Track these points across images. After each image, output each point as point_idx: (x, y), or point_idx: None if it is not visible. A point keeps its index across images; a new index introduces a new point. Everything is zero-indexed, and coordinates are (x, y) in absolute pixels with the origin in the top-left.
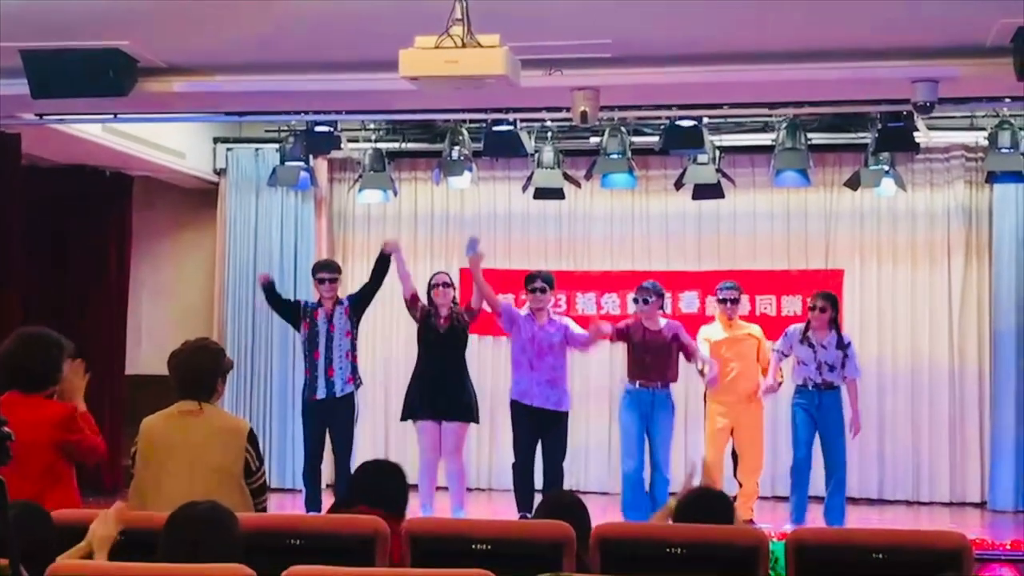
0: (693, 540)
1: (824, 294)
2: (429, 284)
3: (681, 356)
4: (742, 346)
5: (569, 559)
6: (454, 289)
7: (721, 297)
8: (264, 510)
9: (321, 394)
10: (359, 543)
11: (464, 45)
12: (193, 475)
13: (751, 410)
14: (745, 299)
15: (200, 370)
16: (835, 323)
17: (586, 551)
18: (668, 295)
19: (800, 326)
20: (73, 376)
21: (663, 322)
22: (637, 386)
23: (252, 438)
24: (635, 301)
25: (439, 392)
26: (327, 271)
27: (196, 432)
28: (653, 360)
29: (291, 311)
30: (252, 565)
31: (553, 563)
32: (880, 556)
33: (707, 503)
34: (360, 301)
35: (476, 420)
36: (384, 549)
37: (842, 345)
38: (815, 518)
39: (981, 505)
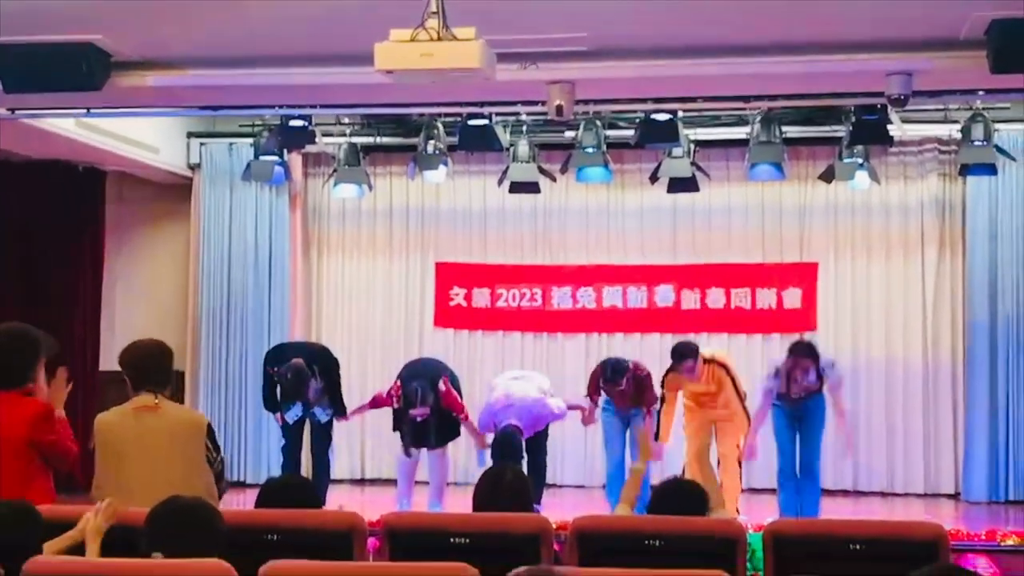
0: (671, 532)
1: (804, 349)
2: (405, 407)
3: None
4: (710, 396)
5: (547, 551)
6: (431, 402)
7: (682, 369)
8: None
9: (293, 418)
10: (337, 538)
11: (439, 38)
12: (156, 468)
13: (735, 424)
14: (721, 291)
15: (157, 365)
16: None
17: None
18: (643, 289)
19: (781, 368)
20: (57, 384)
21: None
22: (613, 407)
23: (210, 432)
24: (608, 380)
25: (423, 437)
26: (294, 389)
27: (155, 426)
28: (627, 402)
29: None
30: (230, 560)
31: (531, 555)
32: (857, 547)
33: (681, 493)
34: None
35: (457, 434)
36: (362, 544)
37: (820, 375)
38: None
39: (955, 496)
